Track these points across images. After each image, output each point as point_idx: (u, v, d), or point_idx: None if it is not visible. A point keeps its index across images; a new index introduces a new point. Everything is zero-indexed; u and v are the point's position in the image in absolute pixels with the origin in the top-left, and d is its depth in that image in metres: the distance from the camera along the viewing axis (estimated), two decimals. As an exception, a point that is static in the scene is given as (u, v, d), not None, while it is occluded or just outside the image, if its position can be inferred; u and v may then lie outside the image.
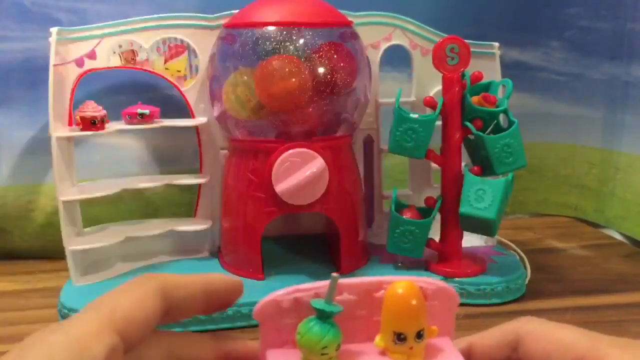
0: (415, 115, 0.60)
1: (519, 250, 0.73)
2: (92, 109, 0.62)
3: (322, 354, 0.31)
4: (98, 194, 0.62)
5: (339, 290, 0.32)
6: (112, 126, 0.63)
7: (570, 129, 0.87)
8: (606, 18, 0.81)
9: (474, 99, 0.60)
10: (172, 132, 0.69)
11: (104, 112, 0.62)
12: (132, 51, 0.64)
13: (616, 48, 0.80)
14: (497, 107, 0.60)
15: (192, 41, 0.65)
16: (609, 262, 0.72)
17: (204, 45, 0.65)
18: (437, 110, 0.60)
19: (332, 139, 0.62)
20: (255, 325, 0.32)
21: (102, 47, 0.63)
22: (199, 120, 0.66)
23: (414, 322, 0.32)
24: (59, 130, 0.61)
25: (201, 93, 0.66)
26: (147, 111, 0.64)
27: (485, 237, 0.70)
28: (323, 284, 0.32)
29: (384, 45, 0.68)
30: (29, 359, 0.24)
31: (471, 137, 0.61)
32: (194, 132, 0.68)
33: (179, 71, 0.66)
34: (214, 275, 0.33)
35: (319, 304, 0.31)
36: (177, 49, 0.66)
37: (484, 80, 0.62)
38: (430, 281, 0.33)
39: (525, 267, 0.67)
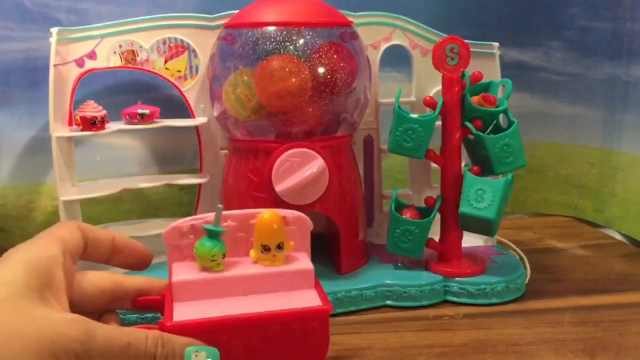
0: (415, 115, 0.61)
1: (518, 250, 0.73)
2: (92, 109, 0.62)
3: (212, 261, 0.45)
4: (98, 194, 0.62)
5: (224, 219, 0.46)
6: (112, 126, 0.64)
7: (570, 129, 0.87)
8: (606, 18, 0.81)
9: (474, 99, 0.61)
10: (172, 132, 0.69)
11: (104, 112, 0.62)
12: (133, 51, 0.64)
13: (616, 48, 0.80)
14: (497, 107, 0.60)
15: (192, 41, 0.65)
16: (608, 262, 0.72)
17: (204, 45, 0.65)
18: (437, 110, 0.60)
19: (332, 139, 0.62)
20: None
21: (102, 47, 0.63)
22: (199, 120, 0.66)
23: (275, 237, 0.46)
24: (59, 130, 0.61)
25: (201, 93, 0.66)
26: (147, 111, 0.64)
27: (485, 237, 0.70)
28: (212, 215, 0.46)
29: (384, 45, 0.68)
30: (13, 261, 0.39)
31: (471, 137, 0.61)
32: (194, 132, 0.68)
33: (179, 71, 0.66)
34: (125, 237, 0.48)
35: (209, 226, 0.45)
36: (177, 49, 0.66)
37: (484, 80, 0.62)
38: (290, 211, 0.48)
39: (525, 267, 0.67)
